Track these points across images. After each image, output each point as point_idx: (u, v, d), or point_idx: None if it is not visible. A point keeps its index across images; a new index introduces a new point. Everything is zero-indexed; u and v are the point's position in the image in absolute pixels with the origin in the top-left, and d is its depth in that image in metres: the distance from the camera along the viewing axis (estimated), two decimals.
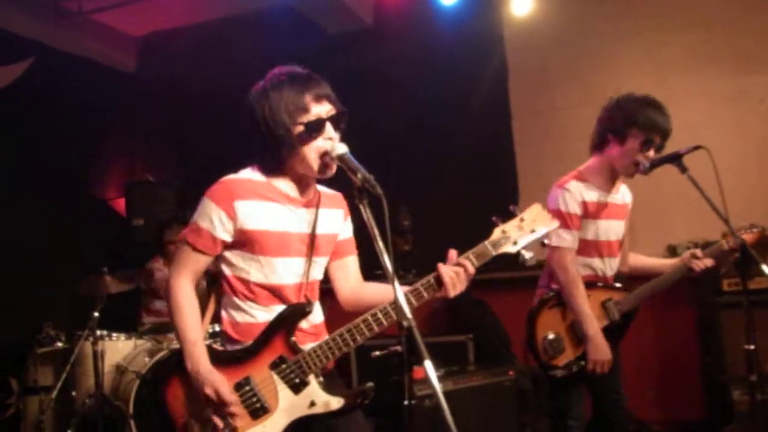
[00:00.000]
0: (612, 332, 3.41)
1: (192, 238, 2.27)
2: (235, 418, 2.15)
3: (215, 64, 6.61)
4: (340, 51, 6.36)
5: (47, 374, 5.12)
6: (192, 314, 2.25)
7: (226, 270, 2.33)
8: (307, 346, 2.26)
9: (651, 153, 3.27)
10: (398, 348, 1.89)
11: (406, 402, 1.90)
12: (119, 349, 4.86)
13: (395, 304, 1.96)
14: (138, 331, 5.15)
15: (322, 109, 2.30)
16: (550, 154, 5.97)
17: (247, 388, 2.20)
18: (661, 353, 5.56)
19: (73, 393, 4.85)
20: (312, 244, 2.34)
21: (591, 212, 3.34)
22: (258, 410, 2.19)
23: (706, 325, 5.28)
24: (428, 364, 1.84)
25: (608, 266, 3.45)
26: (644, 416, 5.23)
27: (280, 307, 2.29)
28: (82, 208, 6.42)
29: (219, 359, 2.21)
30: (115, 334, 4.89)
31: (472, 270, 2.24)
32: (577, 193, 3.35)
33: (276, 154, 2.30)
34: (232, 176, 2.34)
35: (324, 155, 2.27)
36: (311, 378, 2.22)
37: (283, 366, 2.22)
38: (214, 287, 2.41)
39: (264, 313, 2.28)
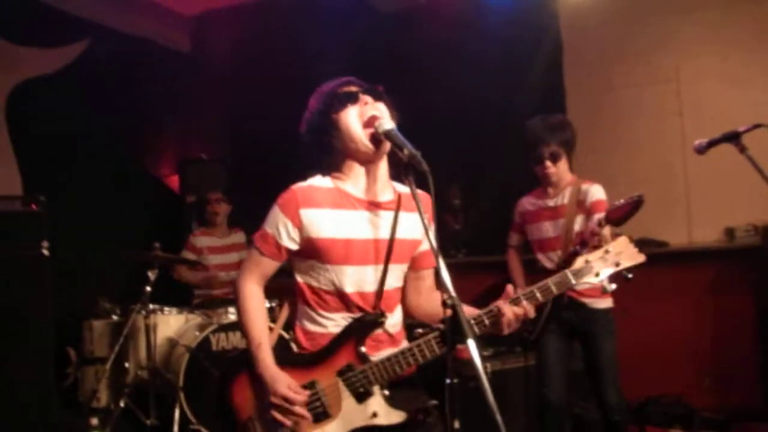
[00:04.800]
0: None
1: (260, 243, 2.30)
2: (298, 419, 2.16)
3: (268, 44, 6.63)
4: (393, 31, 6.31)
5: (102, 346, 5.26)
6: (258, 317, 2.28)
7: (297, 277, 2.35)
8: (381, 354, 2.24)
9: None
10: (440, 326, 1.87)
11: (447, 381, 1.85)
12: (171, 323, 4.97)
13: (439, 280, 1.93)
14: (190, 306, 5.25)
15: (353, 89, 2.33)
16: (606, 134, 5.84)
17: (312, 391, 2.19)
18: (716, 339, 5.40)
19: (126, 364, 4.97)
20: (389, 250, 2.28)
21: None
22: (320, 414, 2.19)
23: (765, 310, 5.11)
24: (471, 343, 1.81)
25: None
26: (698, 403, 5.11)
27: (350, 316, 2.28)
28: (137, 184, 6.55)
29: (288, 362, 2.23)
30: (167, 309, 4.99)
31: (532, 314, 2.20)
32: None
33: (329, 148, 2.31)
34: (300, 184, 2.33)
35: (368, 125, 2.25)
36: (376, 389, 2.19)
37: (350, 374, 2.19)
38: (288, 295, 2.42)
39: (333, 322, 2.28)
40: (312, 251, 2.26)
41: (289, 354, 2.28)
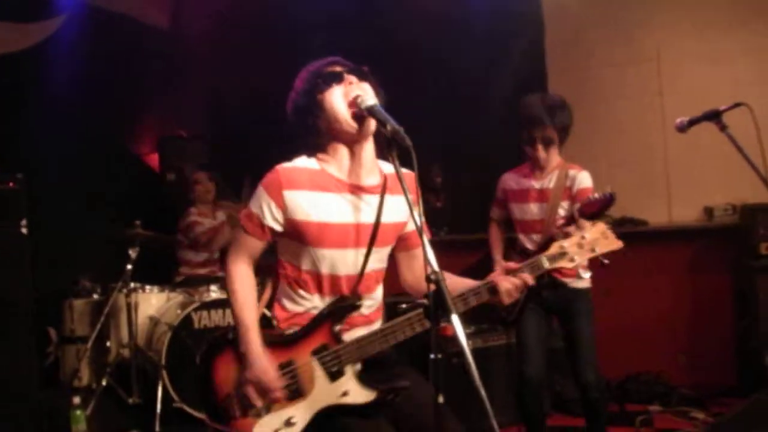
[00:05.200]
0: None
1: (245, 222, 2.33)
2: (272, 400, 2.23)
3: (249, 19, 6.57)
4: (376, 7, 6.26)
5: (83, 325, 5.25)
6: (248, 298, 2.30)
7: (280, 256, 2.40)
8: (354, 334, 2.30)
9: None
10: (425, 301, 1.87)
11: (432, 356, 1.86)
12: (152, 301, 4.95)
13: (425, 256, 1.94)
14: (171, 284, 5.23)
15: (337, 69, 2.34)
16: (587, 114, 5.85)
17: (288, 369, 2.26)
18: (694, 317, 5.48)
19: (108, 343, 4.96)
20: (373, 234, 2.32)
21: None
22: (294, 393, 2.25)
23: (742, 289, 5.19)
24: (455, 319, 1.82)
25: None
26: (674, 380, 5.19)
27: (329, 298, 2.34)
28: (116, 162, 6.48)
29: (268, 341, 2.28)
30: (148, 287, 4.97)
31: (531, 283, 2.27)
32: None
33: (314, 129, 2.33)
34: (285, 164, 2.35)
35: (352, 104, 2.26)
36: (348, 368, 2.24)
37: (324, 354, 2.25)
38: (271, 274, 2.45)
39: (310, 302, 2.34)
40: (294, 232, 2.29)
41: (270, 335, 2.31)
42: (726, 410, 4.50)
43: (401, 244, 2.49)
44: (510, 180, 3.98)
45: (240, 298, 2.30)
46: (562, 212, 3.71)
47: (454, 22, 5.99)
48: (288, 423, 2.22)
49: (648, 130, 5.68)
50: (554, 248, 2.33)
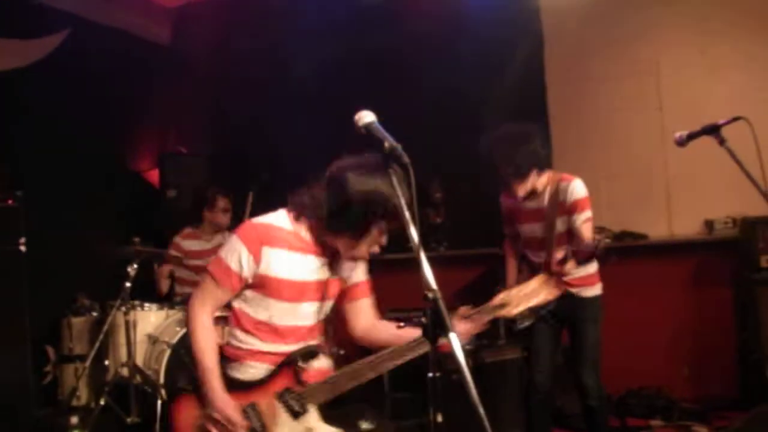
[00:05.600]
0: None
1: (219, 275, 2.41)
2: None
3: (249, 37, 6.58)
4: (374, 24, 6.27)
5: (82, 343, 5.21)
6: (208, 343, 2.41)
7: (236, 303, 2.49)
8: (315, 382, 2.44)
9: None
10: (423, 319, 1.86)
11: (430, 374, 1.85)
12: (151, 319, 4.92)
13: (422, 274, 1.93)
14: (171, 302, 5.20)
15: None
16: (586, 127, 5.87)
17: (252, 412, 2.38)
18: (695, 330, 5.46)
19: (106, 362, 4.92)
20: (326, 289, 2.51)
21: None
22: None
23: (743, 301, 5.18)
24: (453, 337, 1.81)
25: None
26: (676, 393, 5.17)
27: (278, 346, 2.45)
28: (116, 179, 6.48)
29: (232, 385, 2.40)
30: (147, 305, 4.94)
31: (484, 326, 2.49)
32: None
33: (327, 223, 2.41)
34: (262, 220, 2.47)
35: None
36: (311, 407, 2.39)
37: (287, 396, 2.39)
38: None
39: (261, 345, 2.46)
40: (262, 286, 2.41)
41: (234, 380, 2.43)
42: (728, 423, 4.46)
43: (347, 296, 2.63)
44: (507, 201, 3.98)
45: (201, 343, 2.39)
46: (561, 227, 3.70)
47: (453, 37, 6.00)
48: None
49: (647, 144, 5.68)
50: (498, 299, 2.50)
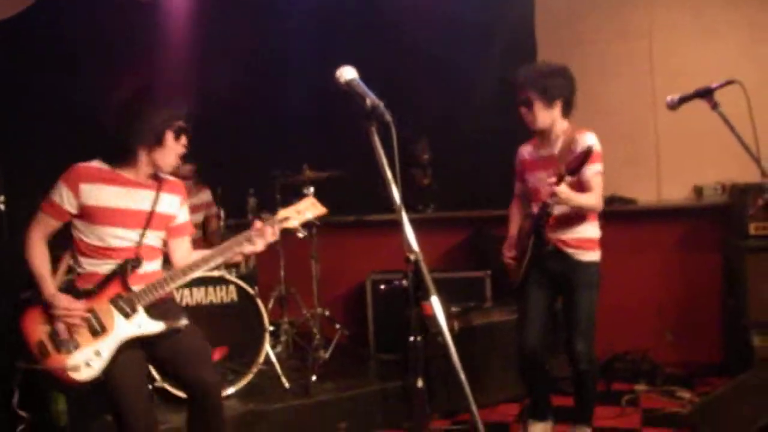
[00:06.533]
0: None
1: (46, 208, 2.98)
2: (78, 332, 2.87)
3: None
4: None
5: None
6: (40, 257, 2.95)
7: (74, 233, 3.01)
8: (139, 286, 2.97)
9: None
10: (404, 282, 1.81)
11: (411, 338, 1.81)
12: None
13: (404, 236, 1.87)
14: None
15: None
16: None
17: (91, 315, 2.90)
18: (682, 296, 5.46)
19: None
20: (149, 219, 3.04)
21: None
22: (97, 330, 2.89)
23: (731, 268, 5.16)
24: (435, 300, 1.77)
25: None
26: (660, 358, 5.18)
27: (112, 263, 2.97)
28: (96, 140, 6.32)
29: (74, 295, 2.92)
30: None
31: (275, 237, 3.07)
32: None
33: (132, 147, 3.00)
34: (82, 163, 3.02)
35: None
36: (140, 308, 2.93)
37: (119, 300, 2.92)
38: (69, 246, 3.06)
39: (97, 268, 2.97)
40: (87, 215, 2.95)
41: (75, 290, 2.95)
42: (712, 389, 4.48)
43: (173, 232, 3.21)
44: (524, 151, 3.99)
45: (35, 258, 2.94)
46: (569, 178, 3.58)
47: None
48: (96, 354, 2.87)
49: (638, 108, 5.61)
50: (280, 214, 3.10)
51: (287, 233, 3.18)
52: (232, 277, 4.54)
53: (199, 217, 5.62)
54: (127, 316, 2.91)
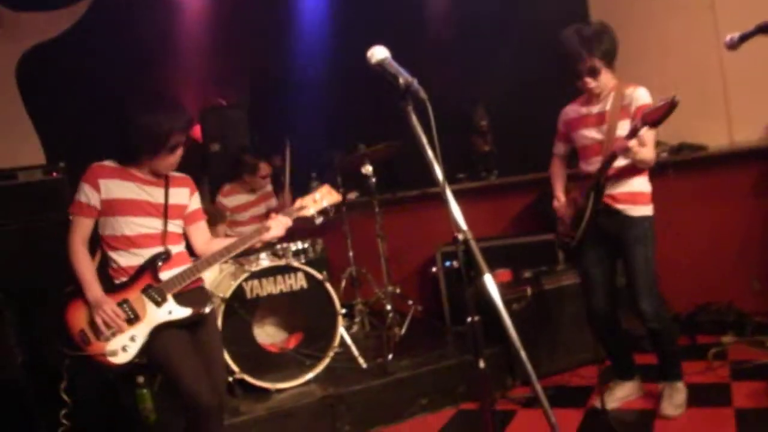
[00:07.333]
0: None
1: (75, 210, 3.17)
2: (116, 325, 3.08)
3: None
4: None
5: None
6: (83, 262, 3.14)
7: (102, 232, 3.20)
8: (170, 273, 3.22)
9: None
10: (455, 264, 1.76)
11: (468, 319, 1.76)
12: (206, 274, 4.92)
13: (451, 215, 1.82)
14: None
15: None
16: (633, 35, 5.52)
17: (125, 305, 3.13)
18: (763, 241, 5.18)
19: None
20: (166, 210, 3.26)
21: None
22: (132, 319, 3.13)
23: None
24: (488, 278, 1.72)
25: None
26: (747, 307, 4.96)
27: (141, 253, 3.19)
28: None
29: (107, 289, 3.15)
30: None
31: (290, 223, 3.40)
32: None
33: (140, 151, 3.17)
34: (96, 163, 3.20)
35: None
36: (170, 296, 3.18)
37: (149, 290, 3.16)
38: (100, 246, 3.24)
39: (129, 260, 3.18)
40: (109, 209, 3.14)
41: (107, 284, 3.18)
42: None
43: (188, 219, 3.40)
44: (570, 111, 3.95)
45: (78, 264, 3.12)
46: (621, 132, 3.56)
47: None
48: (131, 339, 3.11)
49: (701, 48, 5.33)
50: (297, 204, 3.42)
51: (304, 221, 3.48)
52: (299, 264, 4.56)
53: (262, 209, 5.68)
54: (158, 304, 3.15)
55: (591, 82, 3.67)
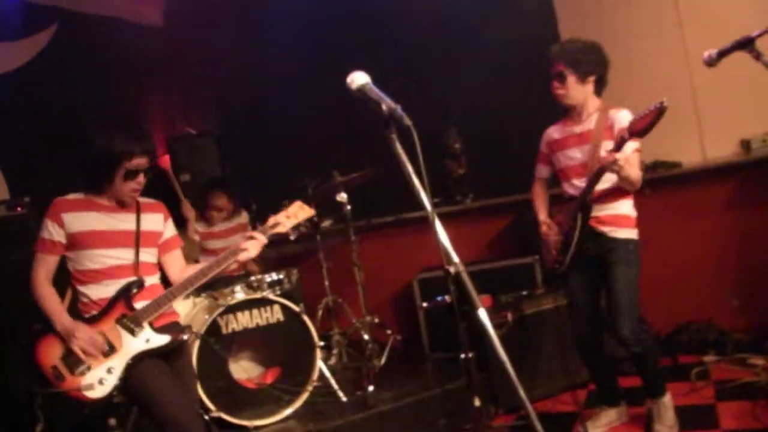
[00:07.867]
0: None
1: (40, 247, 3.10)
2: (91, 355, 2.99)
3: (241, 9, 6.36)
4: None
5: None
6: (49, 297, 3.08)
7: (70, 267, 3.13)
8: (144, 303, 3.13)
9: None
10: (446, 298, 1.68)
11: (462, 356, 1.67)
12: (178, 308, 4.76)
13: (441, 247, 1.73)
14: (196, 290, 5.06)
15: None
16: None
17: (100, 337, 3.03)
18: (741, 257, 5.18)
19: None
20: (138, 238, 3.19)
21: None
22: (108, 351, 3.03)
23: None
24: (482, 313, 1.63)
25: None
26: (727, 324, 4.95)
27: (113, 283, 3.11)
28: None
29: (82, 321, 3.06)
30: None
31: (265, 240, 3.28)
32: None
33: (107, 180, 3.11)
34: (59, 198, 3.15)
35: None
36: (145, 324, 3.10)
37: (124, 320, 3.07)
38: (70, 282, 3.17)
39: (100, 292, 3.11)
40: (76, 243, 3.08)
41: (82, 318, 3.10)
42: None
43: (162, 248, 3.34)
44: (553, 131, 3.94)
45: (43, 299, 3.06)
46: (603, 153, 3.51)
47: None
48: (108, 371, 3.00)
49: (670, 66, 5.36)
50: (270, 221, 3.33)
51: (278, 237, 3.37)
52: (275, 297, 4.44)
53: (237, 239, 5.55)
54: (133, 333, 3.08)
55: (558, 87, 3.69)
